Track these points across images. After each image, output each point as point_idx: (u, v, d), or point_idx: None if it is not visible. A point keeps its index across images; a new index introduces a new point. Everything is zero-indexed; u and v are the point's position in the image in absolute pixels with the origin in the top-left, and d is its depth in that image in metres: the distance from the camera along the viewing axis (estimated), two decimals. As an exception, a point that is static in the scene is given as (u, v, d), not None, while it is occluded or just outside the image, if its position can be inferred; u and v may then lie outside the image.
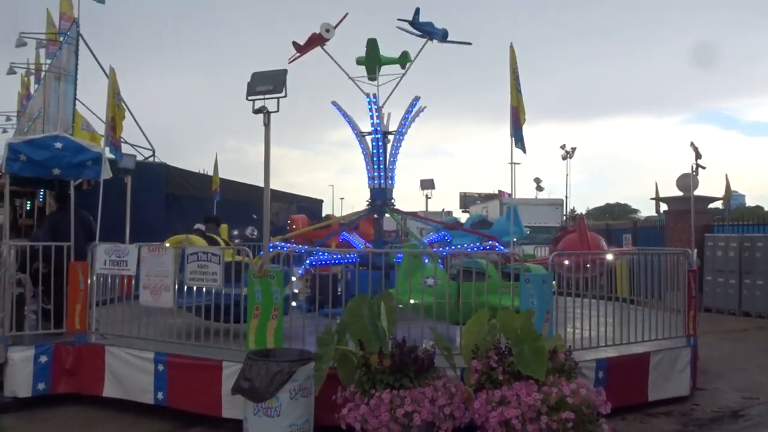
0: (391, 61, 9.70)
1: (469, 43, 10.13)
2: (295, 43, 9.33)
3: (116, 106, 7.64)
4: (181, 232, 9.21)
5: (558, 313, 6.27)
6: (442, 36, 9.53)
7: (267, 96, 5.58)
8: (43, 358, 6.44)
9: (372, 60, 9.53)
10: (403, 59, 9.72)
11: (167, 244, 7.50)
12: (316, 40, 9.23)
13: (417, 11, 9.39)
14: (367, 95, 9.38)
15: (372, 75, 9.64)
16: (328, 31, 9.10)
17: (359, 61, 9.60)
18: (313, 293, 8.14)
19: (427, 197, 17.23)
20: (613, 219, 42.10)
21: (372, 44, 9.49)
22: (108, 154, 7.56)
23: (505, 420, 4.58)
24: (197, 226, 9.67)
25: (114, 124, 7.58)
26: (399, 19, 9.50)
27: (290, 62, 9.42)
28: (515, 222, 9.59)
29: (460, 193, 45.80)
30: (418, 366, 4.96)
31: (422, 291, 6.66)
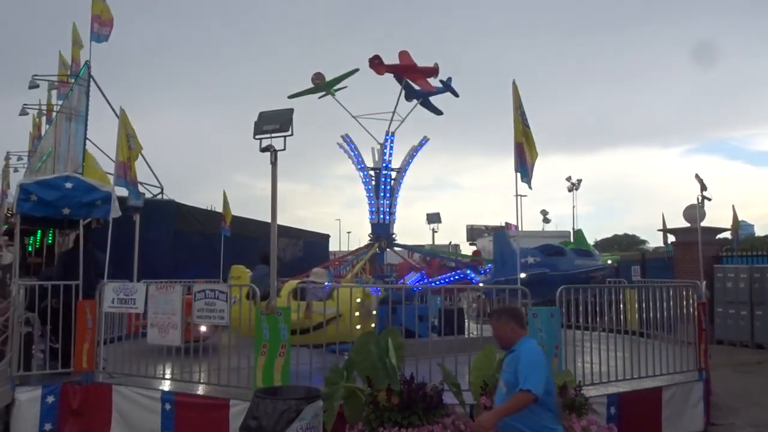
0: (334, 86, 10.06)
1: (441, 113, 10.67)
2: (377, 58, 9.68)
3: (129, 148, 7.82)
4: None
5: (567, 347, 6.22)
6: (420, 95, 10.01)
7: (274, 135, 5.67)
8: (50, 398, 6.41)
9: (331, 83, 9.89)
10: (329, 85, 10.05)
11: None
12: (425, 72, 9.79)
13: (450, 80, 10.35)
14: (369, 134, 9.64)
15: (297, 95, 9.94)
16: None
17: (328, 85, 9.89)
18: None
19: (434, 231, 17.30)
20: (621, 250, 41.82)
21: (351, 73, 9.77)
22: (123, 192, 7.71)
23: (515, 458, 4.50)
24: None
25: (129, 165, 7.76)
26: (441, 81, 10.34)
27: (381, 73, 9.84)
28: None
29: (467, 225, 45.85)
30: (426, 403, 4.92)
31: None
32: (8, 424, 6.45)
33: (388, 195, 9.54)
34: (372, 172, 9.69)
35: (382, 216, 9.52)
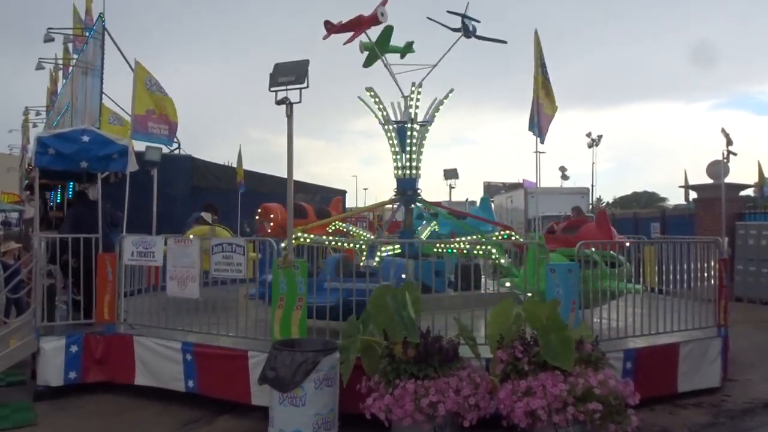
0: (394, 50, 9.57)
1: (504, 41, 9.92)
2: (327, 22, 9.19)
3: (162, 97, 7.86)
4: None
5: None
6: (473, 31, 9.44)
7: (289, 87, 5.57)
8: (74, 348, 6.57)
9: (379, 47, 9.38)
10: (406, 49, 9.61)
11: (191, 236, 7.59)
12: (366, 23, 9.16)
13: (467, 5, 9.39)
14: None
15: (370, 63, 9.51)
16: (383, 15, 9.00)
17: (366, 47, 9.44)
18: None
19: (451, 187, 17.12)
20: (641, 207, 41.38)
21: (387, 32, 9.35)
22: (140, 147, 7.78)
23: (531, 410, 4.54)
24: (199, 214, 10.06)
25: (159, 114, 7.82)
26: (449, 12, 9.42)
27: (324, 38, 9.31)
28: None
29: (484, 182, 45.49)
30: (442, 356, 4.94)
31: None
32: (34, 372, 6.66)
33: (417, 149, 9.38)
34: (391, 126, 9.49)
35: (404, 171, 9.39)
